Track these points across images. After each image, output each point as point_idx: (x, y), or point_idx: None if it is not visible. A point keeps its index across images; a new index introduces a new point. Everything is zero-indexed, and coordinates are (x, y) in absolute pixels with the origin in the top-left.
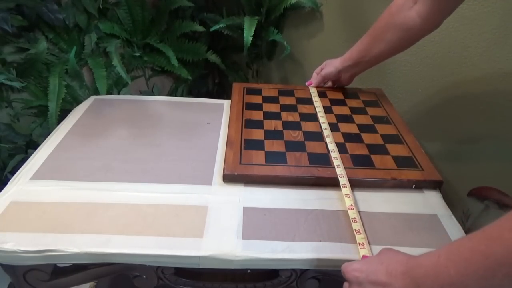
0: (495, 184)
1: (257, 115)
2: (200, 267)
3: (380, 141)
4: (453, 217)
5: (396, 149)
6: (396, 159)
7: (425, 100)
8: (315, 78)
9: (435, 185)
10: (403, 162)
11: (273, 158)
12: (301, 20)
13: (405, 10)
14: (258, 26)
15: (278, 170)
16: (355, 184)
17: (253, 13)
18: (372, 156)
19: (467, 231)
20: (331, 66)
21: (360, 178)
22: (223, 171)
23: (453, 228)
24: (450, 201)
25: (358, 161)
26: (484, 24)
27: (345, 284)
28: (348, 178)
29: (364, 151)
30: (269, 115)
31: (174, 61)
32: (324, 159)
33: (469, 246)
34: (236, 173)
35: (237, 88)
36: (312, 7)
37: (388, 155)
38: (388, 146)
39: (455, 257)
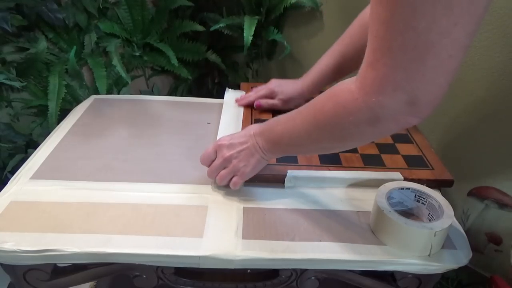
0: (495, 184)
1: (266, 115)
2: (200, 267)
3: (390, 141)
4: (453, 217)
5: (406, 149)
6: (406, 158)
7: None
8: (253, 97)
9: (446, 185)
10: (414, 162)
11: (284, 157)
12: (301, 19)
13: None
14: (258, 26)
15: (290, 169)
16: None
17: (253, 12)
18: (382, 156)
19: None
20: (291, 91)
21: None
22: None
23: (453, 228)
24: (450, 201)
25: (368, 161)
26: (484, 24)
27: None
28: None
29: (374, 151)
30: (278, 115)
31: (174, 61)
32: (335, 158)
33: (294, 116)
34: None
35: (244, 87)
36: (312, 7)
37: (398, 154)
38: (398, 146)
39: (284, 121)
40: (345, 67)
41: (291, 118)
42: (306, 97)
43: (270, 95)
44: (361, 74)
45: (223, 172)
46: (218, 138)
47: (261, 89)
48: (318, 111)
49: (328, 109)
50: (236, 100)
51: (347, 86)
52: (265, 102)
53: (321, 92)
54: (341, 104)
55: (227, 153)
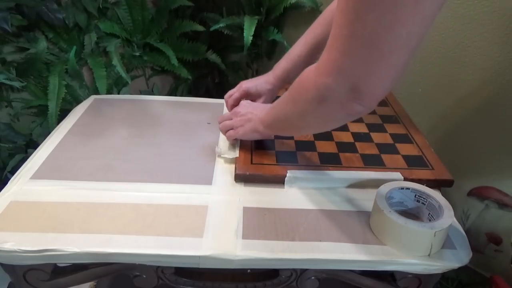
0: (495, 184)
1: None
2: (200, 266)
3: (390, 141)
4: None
5: (406, 149)
6: (406, 158)
7: (425, 100)
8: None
9: (446, 185)
10: (414, 162)
11: (284, 157)
12: (301, 19)
13: None
14: (258, 26)
15: (290, 169)
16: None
17: (253, 12)
18: (382, 156)
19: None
20: (265, 86)
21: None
22: (235, 171)
23: (453, 228)
24: (450, 201)
25: (368, 161)
26: (484, 24)
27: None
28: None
29: (374, 151)
30: None
31: (174, 61)
32: (335, 158)
33: (279, 100)
34: (248, 173)
35: None
36: (312, 7)
37: (398, 154)
38: (398, 146)
39: (274, 105)
40: (315, 57)
41: (277, 103)
42: (280, 88)
43: (247, 98)
44: (321, 56)
45: (227, 122)
46: (220, 138)
47: (236, 94)
48: (291, 87)
49: (295, 85)
50: (219, 120)
51: (312, 66)
52: None
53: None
54: (302, 81)
55: (238, 109)
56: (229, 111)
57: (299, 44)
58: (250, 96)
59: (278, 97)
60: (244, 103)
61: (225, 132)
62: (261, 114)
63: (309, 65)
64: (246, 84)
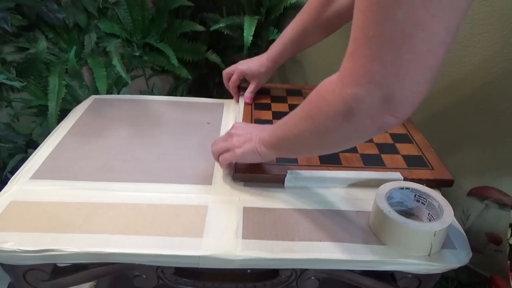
0: (495, 184)
1: (266, 115)
2: (200, 266)
3: (390, 141)
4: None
5: (406, 148)
6: (406, 158)
7: (425, 100)
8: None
9: (446, 185)
10: (414, 162)
11: (284, 158)
12: None
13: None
14: (258, 26)
15: (290, 169)
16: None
17: (253, 12)
18: (382, 156)
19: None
20: (259, 67)
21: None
22: (235, 171)
23: (453, 228)
24: (450, 201)
25: (368, 161)
26: (484, 24)
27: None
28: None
29: (374, 151)
30: (278, 115)
31: (174, 61)
32: (335, 158)
33: (287, 121)
34: (248, 173)
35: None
36: None
37: (398, 154)
38: (398, 146)
39: (282, 123)
40: (306, 41)
41: (288, 120)
42: (273, 69)
43: (244, 77)
44: (342, 65)
45: (221, 143)
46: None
47: (234, 76)
48: (305, 102)
49: (312, 100)
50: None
51: (331, 77)
52: (249, 95)
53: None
54: (322, 95)
55: (233, 130)
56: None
57: (290, 28)
58: (246, 77)
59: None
60: (240, 124)
61: (217, 156)
62: (262, 134)
63: (299, 50)
64: (241, 67)
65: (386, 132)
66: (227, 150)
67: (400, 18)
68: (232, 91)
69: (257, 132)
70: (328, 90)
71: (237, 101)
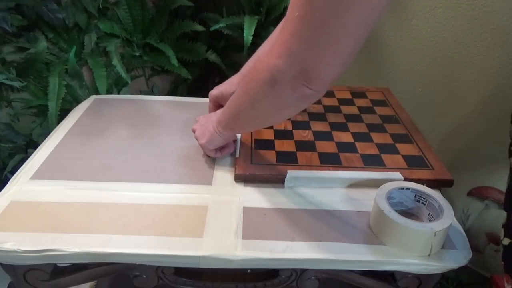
0: (495, 184)
1: None
2: (200, 266)
3: (390, 141)
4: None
5: (406, 149)
6: (406, 158)
7: (425, 100)
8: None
9: (446, 185)
10: (414, 162)
11: (284, 158)
12: None
13: None
14: (258, 26)
15: (290, 169)
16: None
17: (253, 12)
18: (383, 156)
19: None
20: (231, 87)
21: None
22: (235, 171)
23: (453, 228)
24: (450, 201)
25: (368, 161)
26: (484, 24)
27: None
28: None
29: (374, 151)
30: None
31: (174, 61)
32: (335, 159)
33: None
34: (248, 173)
35: None
36: None
37: (398, 154)
38: (398, 146)
39: (230, 101)
40: None
41: (233, 97)
42: None
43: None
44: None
45: (195, 137)
46: None
47: (210, 104)
48: (246, 74)
49: (250, 72)
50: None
51: (266, 50)
52: None
53: None
54: (256, 66)
55: (194, 125)
56: None
57: (264, 46)
58: (219, 101)
59: None
60: (200, 117)
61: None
62: (217, 116)
63: None
64: (213, 92)
65: (310, 104)
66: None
67: (318, 4)
68: None
69: (213, 118)
70: (260, 61)
71: None
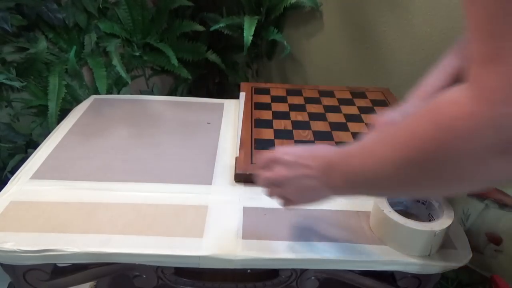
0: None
1: (266, 115)
2: (200, 266)
3: None
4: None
5: None
6: None
7: None
8: None
9: None
10: None
11: None
12: (301, 19)
13: None
14: (258, 26)
15: None
16: None
17: (253, 12)
18: None
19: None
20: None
21: None
22: (235, 171)
23: (453, 228)
24: (450, 201)
25: None
26: None
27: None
28: None
29: None
30: (278, 115)
31: (174, 61)
32: None
33: (374, 141)
34: (248, 173)
35: (245, 87)
36: (312, 7)
37: None
38: None
39: (363, 149)
40: None
41: (373, 147)
42: None
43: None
44: (474, 78)
45: (274, 190)
46: (219, 139)
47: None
48: (411, 137)
49: (426, 134)
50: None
51: (452, 97)
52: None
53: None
54: (447, 125)
55: (284, 171)
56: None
57: (439, 73)
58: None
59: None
60: (283, 158)
61: (266, 189)
62: (331, 178)
63: None
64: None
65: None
66: (281, 195)
67: None
68: None
69: (319, 173)
70: (458, 117)
71: None
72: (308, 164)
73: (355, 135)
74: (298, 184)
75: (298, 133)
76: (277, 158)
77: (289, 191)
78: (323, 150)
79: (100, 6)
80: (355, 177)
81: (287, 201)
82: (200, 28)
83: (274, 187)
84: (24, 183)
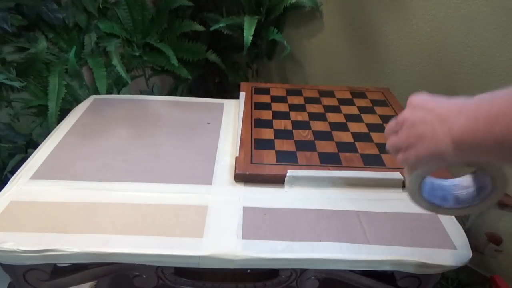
0: None
1: (266, 115)
2: (200, 266)
3: None
4: (453, 217)
5: None
6: None
7: None
8: None
9: None
10: None
11: (284, 157)
12: (301, 19)
13: None
14: (258, 26)
15: (290, 169)
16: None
17: (253, 12)
18: (382, 156)
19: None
20: None
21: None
22: (235, 171)
23: (453, 228)
24: None
25: (368, 161)
26: (484, 24)
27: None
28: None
29: (374, 151)
30: (278, 115)
31: (174, 61)
32: (335, 158)
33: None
34: (247, 173)
35: (245, 87)
36: (312, 7)
37: None
38: None
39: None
40: None
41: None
42: None
43: None
44: None
45: (393, 138)
46: (219, 139)
47: None
48: None
49: None
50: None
51: None
52: None
53: None
54: None
55: (406, 113)
56: None
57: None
58: None
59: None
60: (418, 99)
61: (395, 154)
62: (452, 122)
63: None
64: None
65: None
66: (399, 148)
67: None
68: None
69: (439, 115)
70: None
71: None
72: (427, 115)
73: (355, 135)
74: (414, 130)
75: (298, 133)
76: (402, 118)
77: (403, 137)
78: (442, 102)
79: (100, 6)
80: (490, 119)
81: (402, 153)
82: (200, 28)
83: (397, 146)
84: (24, 183)
